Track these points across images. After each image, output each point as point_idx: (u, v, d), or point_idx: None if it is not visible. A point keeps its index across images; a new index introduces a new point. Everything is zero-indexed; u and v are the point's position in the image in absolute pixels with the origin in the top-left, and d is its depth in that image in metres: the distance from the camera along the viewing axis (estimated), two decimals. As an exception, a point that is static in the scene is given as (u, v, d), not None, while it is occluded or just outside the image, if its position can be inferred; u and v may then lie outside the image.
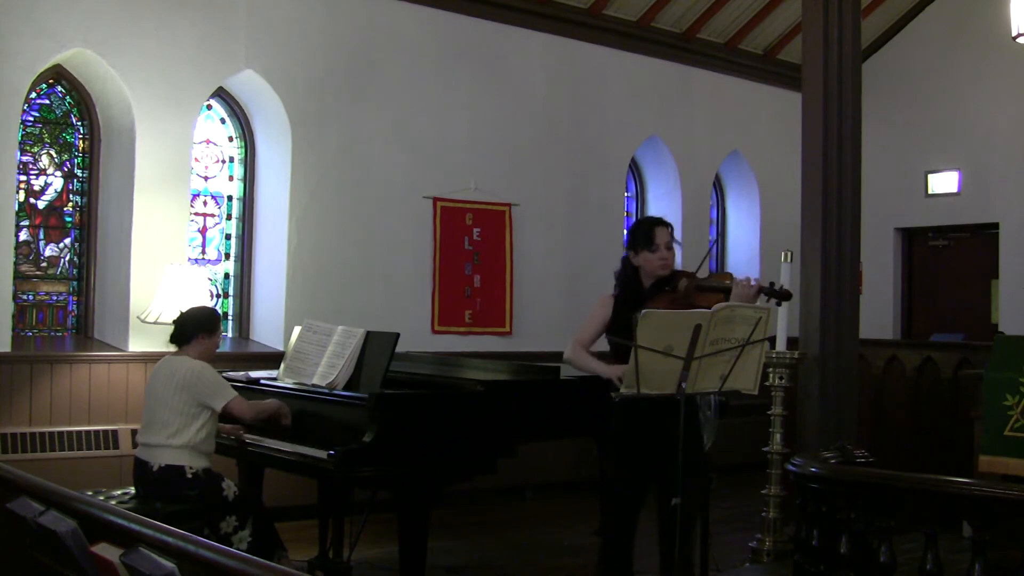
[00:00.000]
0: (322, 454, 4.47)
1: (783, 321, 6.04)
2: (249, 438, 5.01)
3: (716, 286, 4.34)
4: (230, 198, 7.61)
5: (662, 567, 4.44)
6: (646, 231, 4.47)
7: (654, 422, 4.25)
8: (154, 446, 4.74)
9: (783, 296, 4.80)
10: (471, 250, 8.25)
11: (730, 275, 4.45)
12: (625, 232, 9.49)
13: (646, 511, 4.44)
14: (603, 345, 4.51)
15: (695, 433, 4.45)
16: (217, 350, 5.11)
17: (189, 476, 4.71)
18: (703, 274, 4.55)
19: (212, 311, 5.15)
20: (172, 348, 4.99)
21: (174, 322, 5.01)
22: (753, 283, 4.29)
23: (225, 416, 4.87)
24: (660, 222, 4.53)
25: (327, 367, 4.98)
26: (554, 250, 8.72)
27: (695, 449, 4.41)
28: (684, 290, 4.37)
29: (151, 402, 4.83)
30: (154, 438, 4.75)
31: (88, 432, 6.41)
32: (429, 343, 7.76)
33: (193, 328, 4.92)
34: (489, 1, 8.28)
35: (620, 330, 4.40)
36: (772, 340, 5.87)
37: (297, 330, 5.37)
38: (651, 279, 4.48)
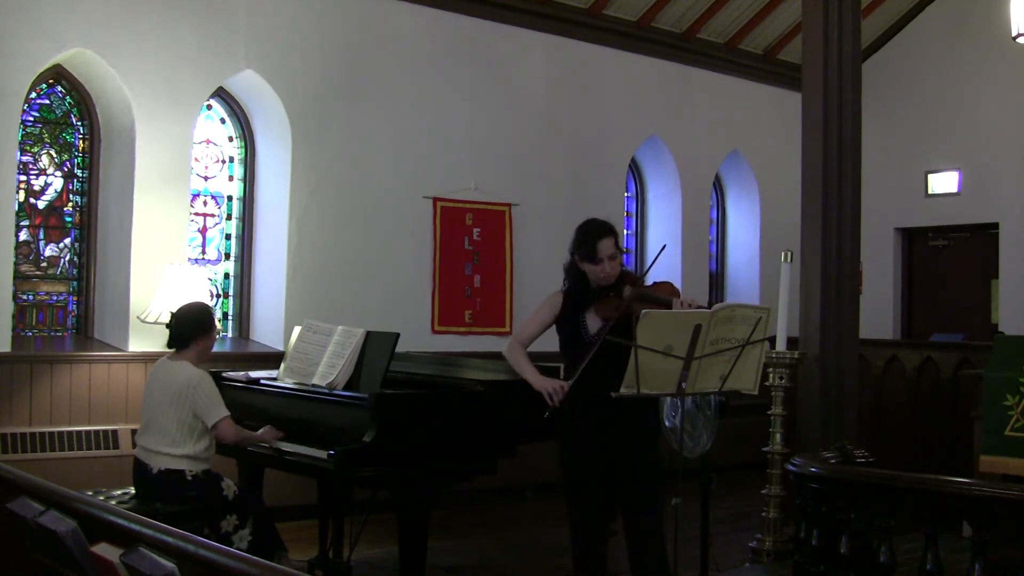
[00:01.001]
0: (322, 454, 4.47)
1: (783, 321, 6.04)
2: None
3: (658, 299, 4.33)
4: (230, 198, 7.61)
5: (632, 571, 4.44)
6: (589, 246, 4.40)
7: (600, 421, 4.28)
8: (153, 451, 4.73)
9: None
10: (471, 250, 8.24)
11: (676, 290, 4.43)
12: (626, 232, 9.51)
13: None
14: (546, 343, 4.56)
15: (647, 443, 4.44)
16: (214, 347, 5.09)
17: (189, 479, 4.71)
18: (656, 281, 4.57)
19: (205, 310, 5.07)
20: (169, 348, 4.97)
21: (169, 325, 4.95)
22: (694, 305, 4.25)
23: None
24: (603, 233, 4.42)
25: (327, 367, 4.98)
26: (554, 250, 8.66)
27: (645, 457, 4.40)
28: (627, 298, 4.36)
29: (150, 404, 4.82)
30: (153, 443, 4.74)
31: (88, 432, 6.41)
32: (429, 343, 7.76)
33: (190, 332, 4.88)
34: (489, 1, 8.28)
35: (568, 327, 4.43)
36: (772, 340, 5.87)
37: (297, 330, 5.36)
38: (597, 283, 4.47)
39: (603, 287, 4.44)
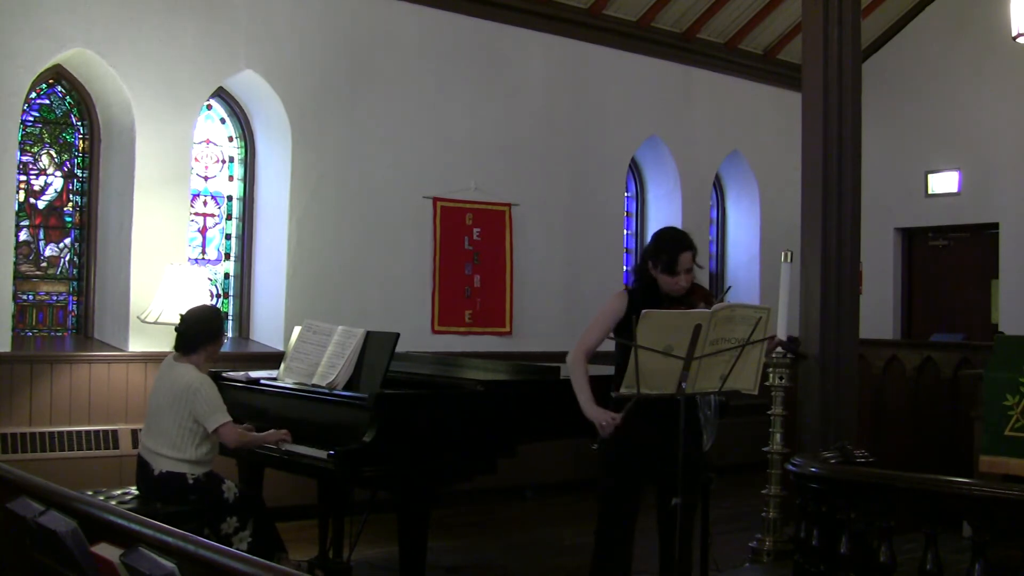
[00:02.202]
0: (322, 454, 4.47)
1: (783, 321, 6.04)
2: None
3: None
4: (230, 198, 7.61)
5: (661, 568, 4.45)
6: (670, 256, 4.35)
7: (651, 421, 4.25)
8: (156, 453, 4.73)
9: (797, 354, 4.91)
10: (471, 250, 8.25)
11: (766, 310, 4.35)
12: (625, 232, 9.51)
13: (644, 511, 4.45)
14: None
15: (694, 433, 4.46)
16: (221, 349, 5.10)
17: (190, 482, 4.71)
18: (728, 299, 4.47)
19: (215, 315, 5.04)
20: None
21: (178, 328, 4.92)
22: (775, 339, 4.20)
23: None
24: (685, 246, 4.38)
25: (327, 367, 4.98)
26: (554, 250, 8.72)
27: (693, 450, 4.42)
28: None
29: (154, 405, 4.81)
30: (156, 444, 4.73)
31: (88, 432, 6.41)
32: (429, 343, 7.76)
33: (200, 338, 4.85)
34: (489, 1, 8.28)
35: (627, 331, 4.38)
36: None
37: (297, 330, 5.36)
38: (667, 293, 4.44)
39: (672, 297, 4.40)
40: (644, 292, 4.43)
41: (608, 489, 4.47)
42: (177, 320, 5.08)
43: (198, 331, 4.87)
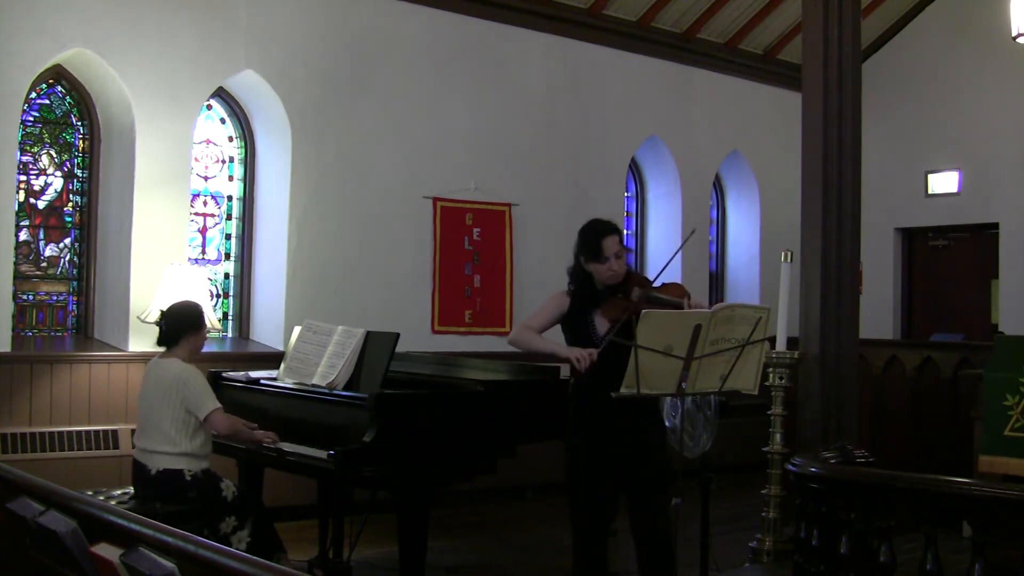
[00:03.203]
0: (322, 454, 4.47)
1: (783, 321, 6.04)
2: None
3: (669, 301, 4.28)
4: (230, 198, 7.61)
5: (640, 570, 4.45)
6: (594, 244, 4.38)
7: (605, 422, 4.27)
8: (151, 452, 4.73)
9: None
10: (471, 250, 8.24)
11: (686, 292, 4.38)
12: (625, 232, 9.51)
13: (622, 514, 4.47)
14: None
15: (655, 435, 4.46)
16: (204, 344, 5.09)
17: (188, 478, 4.71)
18: (664, 282, 4.48)
19: (195, 307, 5.07)
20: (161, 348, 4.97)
21: (158, 323, 4.97)
22: (706, 308, 4.23)
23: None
24: (607, 230, 4.41)
25: (327, 367, 4.98)
26: (554, 250, 8.69)
27: (653, 452, 4.41)
28: (635, 299, 4.33)
29: (144, 406, 4.82)
30: (150, 444, 4.74)
31: (88, 432, 6.41)
32: (429, 343, 7.76)
33: (180, 328, 4.88)
34: (489, 1, 8.28)
35: (575, 329, 4.42)
36: (772, 340, 5.87)
37: (297, 330, 5.36)
38: (603, 284, 4.45)
39: (610, 288, 4.42)
40: (581, 291, 4.45)
41: (575, 504, 4.49)
42: (163, 321, 5.07)
43: (179, 322, 4.90)
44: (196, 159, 7.33)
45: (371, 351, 4.92)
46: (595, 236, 4.40)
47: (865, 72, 7.18)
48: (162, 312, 5.03)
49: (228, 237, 7.60)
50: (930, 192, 10.20)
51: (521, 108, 8.57)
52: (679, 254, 5.16)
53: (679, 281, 4.63)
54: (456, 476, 4.87)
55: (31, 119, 6.82)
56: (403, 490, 4.59)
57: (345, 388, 4.86)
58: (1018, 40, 7.06)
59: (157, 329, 4.98)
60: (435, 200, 8.04)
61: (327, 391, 4.88)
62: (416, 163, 7.95)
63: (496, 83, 8.43)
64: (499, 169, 8.41)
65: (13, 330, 6.43)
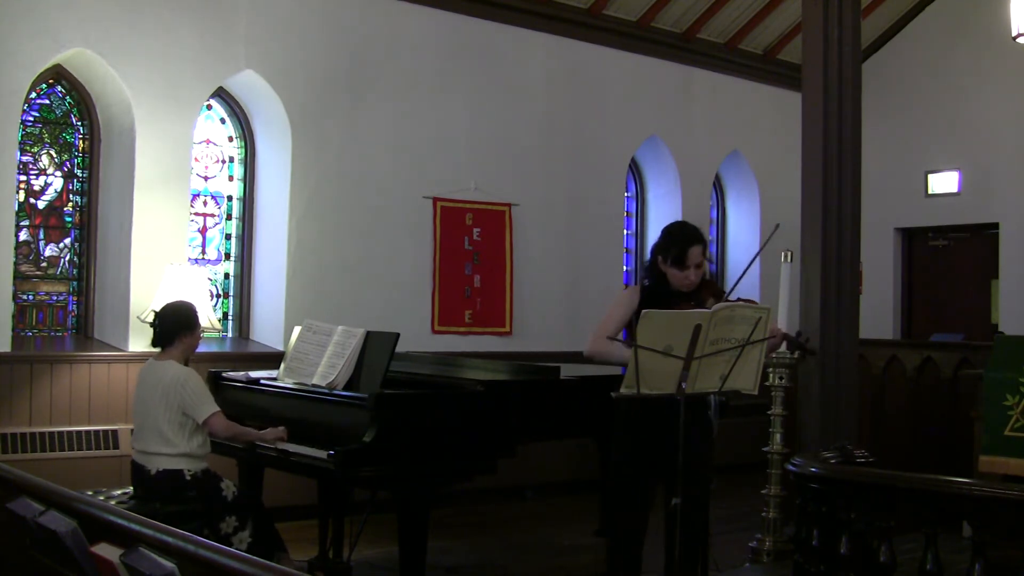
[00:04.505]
0: (322, 454, 4.47)
1: (783, 321, 6.03)
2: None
3: None
4: (230, 198, 7.61)
5: (667, 568, 4.45)
6: (679, 250, 4.37)
7: (658, 420, 4.25)
8: (149, 453, 4.72)
9: (805, 350, 4.93)
10: (471, 250, 8.25)
11: (765, 310, 4.30)
12: (625, 232, 9.51)
13: (653, 511, 4.45)
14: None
15: (703, 433, 4.44)
16: (200, 344, 5.08)
17: (188, 478, 4.70)
18: (741, 297, 4.40)
19: (189, 306, 5.05)
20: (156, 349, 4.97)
21: (153, 324, 4.96)
22: (778, 334, 4.21)
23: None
24: (694, 239, 4.39)
25: (327, 367, 4.97)
26: (554, 250, 8.72)
27: (701, 449, 4.41)
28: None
29: (140, 408, 4.81)
30: (148, 445, 4.73)
31: (88, 432, 6.41)
32: (429, 343, 7.76)
33: (174, 328, 4.87)
34: (489, 1, 8.28)
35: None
36: (772, 340, 5.86)
37: (297, 330, 5.36)
38: (676, 287, 4.45)
39: (683, 293, 4.41)
40: (654, 287, 4.45)
41: (616, 488, 4.48)
42: (158, 321, 5.06)
43: (173, 322, 4.89)
44: (196, 159, 7.33)
45: (371, 351, 4.91)
46: (682, 242, 4.38)
47: (865, 72, 7.18)
48: (156, 313, 5.03)
49: (228, 237, 7.60)
50: (930, 192, 10.20)
51: (521, 108, 8.57)
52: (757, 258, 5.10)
53: (754, 299, 4.51)
54: (456, 476, 4.87)
55: (31, 119, 6.82)
56: (403, 490, 4.59)
57: (345, 388, 4.85)
58: (1018, 40, 7.06)
59: (152, 330, 4.96)
60: (435, 200, 8.04)
61: (327, 391, 4.88)
62: (416, 163, 7.95)
63: (496, 83, 8.43)
64: (499, 169, 8.41)
65: (13, 330, 6.43)
